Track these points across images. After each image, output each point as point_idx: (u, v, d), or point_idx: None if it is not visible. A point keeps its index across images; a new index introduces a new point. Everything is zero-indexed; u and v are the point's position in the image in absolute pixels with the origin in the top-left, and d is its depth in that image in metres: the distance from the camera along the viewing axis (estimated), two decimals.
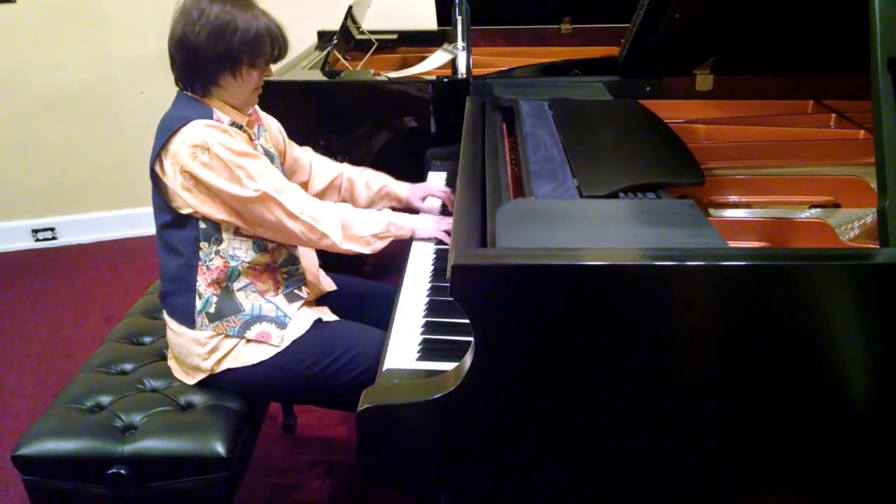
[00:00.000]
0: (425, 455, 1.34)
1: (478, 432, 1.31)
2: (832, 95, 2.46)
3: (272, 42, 1.81)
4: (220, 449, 1.73)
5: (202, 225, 1.83)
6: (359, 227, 1.91)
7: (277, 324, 1.88)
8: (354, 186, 2.25)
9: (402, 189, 2.28)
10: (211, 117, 1.79)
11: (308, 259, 2.07)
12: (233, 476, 1.77)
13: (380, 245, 1.94)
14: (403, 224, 1.99)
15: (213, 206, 1.80)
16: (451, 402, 1.28)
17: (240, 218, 1.82)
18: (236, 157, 1.75)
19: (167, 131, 1.77)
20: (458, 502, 1.68)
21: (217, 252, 1.85)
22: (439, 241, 2.03)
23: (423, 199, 2.30)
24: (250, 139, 1.88)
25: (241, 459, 1.82)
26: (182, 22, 1.76)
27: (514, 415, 1.29)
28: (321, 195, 2.23)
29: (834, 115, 2.37)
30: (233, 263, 1.86)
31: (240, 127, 1.85)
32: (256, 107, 2.02)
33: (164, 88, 4.14)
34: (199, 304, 1.86)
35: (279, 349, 1.86)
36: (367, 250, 1.92)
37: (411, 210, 2.25)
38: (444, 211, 2.25)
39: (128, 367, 2.02)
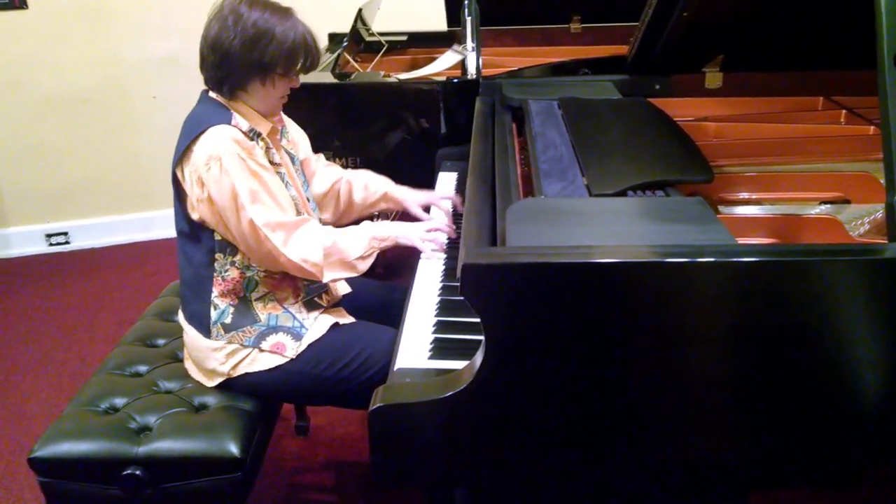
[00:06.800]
0: (437, 453, 1.35)
1: (489, 430, 1.32)
2: (842, 91, 2.45)
3: (306, 53, 1.81)
4: (233, 450, 1.74)
5: (217, 236, 1.83)
6: (342, 253, 1.85)
7: (293, 335, 1.88)
8: (353, 188, 2.19)
9: (401, 193, 2.21)
10: (229, 122, 1.77)
11: None
12: (247, 477, 1.78)
13: (365, 265, 1.89)
14: (385, 234, 1.92)
15: (221, 224, 1.79)
16: (462, 400, 1.28)
17: (237, 242, 1.81)
18: (244, 175, 1.73)
19: (188, 137, 1.76)
20: (474, 500, 1.69)
21: (233, 263, 1.85)
22: (450, 242, 2.02)
23: (427, 208, 2.21)
24: (267, 148, 1.86)
25: (255, 460, 1.83)
26: (217, 25, 1.75)
27: (525, 412, 1.30)
28: (321, 200, 2.18)
29: (844, 111, 2.36)
30: (249, 274, 1.86)
31: (258, 135, 1.83)
32: None
33: (175, 91, 4.19)
34: (214, 314, 1.86)
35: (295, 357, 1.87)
36: (353, 274, 1.89)
37: (409, 217, 2.18)
38: (457, 216, 2.22)
39: (142, 369, 2.03)
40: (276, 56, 1.76)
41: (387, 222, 2.00)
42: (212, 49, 1.77)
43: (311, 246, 1.81)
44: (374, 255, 1.90)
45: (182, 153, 1.77)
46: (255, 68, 1.77)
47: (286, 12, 1.79)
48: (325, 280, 1.86)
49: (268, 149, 1.86)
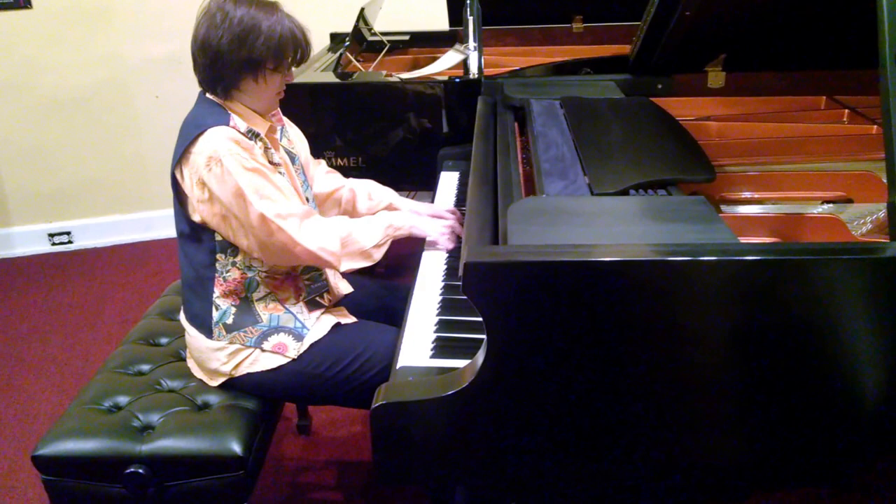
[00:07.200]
0: (439, 451, 1.35)
1: (491, 428, 1.32)
2: (845, 91, 2.45)
3: (295, 46, 1.80)
4: (236, 448, 1.75)
5: (218, 237, 1.83)
6: (358, 243, 1.87)
7: (295, 335, 1.88)
8: (356, 196, 2.19)
9: (405, 205, 2.19)
10: (227, 123, 1.77)
11: None
12: (249, 475, 1.78)
13: (380, 254, 1.91)
14: (401, 224, 1.95)
15: (224, 225, 1.79)
16: (464, 398, 1.29)
17: (246, 240, 1.79)
18: (246, 173, 1.72)
19: (186, 139, 1.76)
20: (475, 498, 1.69)
21: (234, 263, 1.85)
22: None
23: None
24: (266, 148, 1.85)
25: (257, 459, 1.84)
26: (205, 24, 1.75)
27: (526, 411, 1.30)
28: (321, 206, 2.19)
29: (847, 110, 2.36)
30: (250, 274, 1.86)
31: (256, 135, 1.83)
32: (278, 108, 2.00)
33: (178, 91, 4.20)
34: (216, 315, 1.87)
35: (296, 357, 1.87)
36: (367, 263, 1.90)
37: None
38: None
39: (145, 367, 2.03)
40: (265, 51, 1.75)
41: (403, 211, 2.00)
42: (202, 50, 1.76)
43: (327, 234, 1.82)
44: (389, 243, 1.92)
45: (181, 155, 1.77)
46: (246, 65, 1.77)
47: (272, 7, 1.79)
48: (342, 269, 1.87)
49: (266, 149, 1.86)
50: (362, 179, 2.24)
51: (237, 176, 1.72)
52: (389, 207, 2.19)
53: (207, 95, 1.84)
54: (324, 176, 2.20)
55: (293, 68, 1.87)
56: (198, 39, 1.77)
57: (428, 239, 2.02)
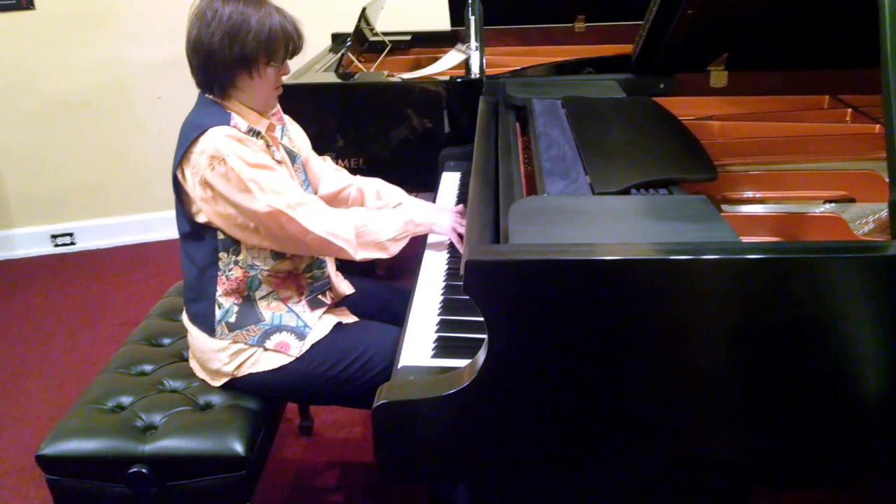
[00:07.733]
0: (440, 450, 1.36)
1: (492, 427, 1.32)
2: (848, 90, 2.44)
3: (286, 38, 1.79)
4: (238, 448, 1.75)
5: (220, 235, 1.83)
6: (375, 234, 1.88)
7: (297, 334, 1.88)
8: (364, 196, 2.19)
9: (415, 205, 2.18)
10: (228, 123, 1.77)
11: (328, 263, 2.06)
12: (251, 475, 1.78)
13: (397, 248, 1.92)
14: (422, 220, 1.96)
15: (230, 222, 1.79)
16: (465, 397, 1.29)
17: (256, 235, 1.80)
18: (250, 168, 1.72)
19: (186, 140, 1.76)
20: (475, 498, 1.69)
21: (236, 262, 1.85)
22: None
23: None
24: (268, 146, 1.85)
25: (259, 459, 1.84)
26: (196, 25, 1.75)
27: (527, 409, 1.30)
28: (328, 204, 2.13)
29: (850, 109, 2.36)
30: (252, 273, 1.86)
31: (258, 134, 1.83)
32: (278, 107, 2.00)
33: (181, 92, 4.18)
34: (218, 313, 1.87)
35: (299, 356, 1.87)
36: (383, 255, 1.91)
37: None
38: None
39: (147, 368, 2.04)
40: (256, 46, 1.75)
41: (424, 207, 2.01)
42: (195, 50, 1.77)
43: (338, 221, 1.83)
44: (408, 238, 1.93)
45: (182, 156, 1.77)
46: (239, 61, 1.76)
47: (260, 1, 1.78)
48: (357, 258, 1.86)
49: (268, 146, 1.86)
50: (370, 178, 2.24)
51: (241, 172, 1.72)
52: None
53: (207, 96, 1.84)
54: (331, 174, 2.20)
55: (287, 61, 1.87)
56: (190, 40, 1.77)
57: (435, 241, 2.01)
